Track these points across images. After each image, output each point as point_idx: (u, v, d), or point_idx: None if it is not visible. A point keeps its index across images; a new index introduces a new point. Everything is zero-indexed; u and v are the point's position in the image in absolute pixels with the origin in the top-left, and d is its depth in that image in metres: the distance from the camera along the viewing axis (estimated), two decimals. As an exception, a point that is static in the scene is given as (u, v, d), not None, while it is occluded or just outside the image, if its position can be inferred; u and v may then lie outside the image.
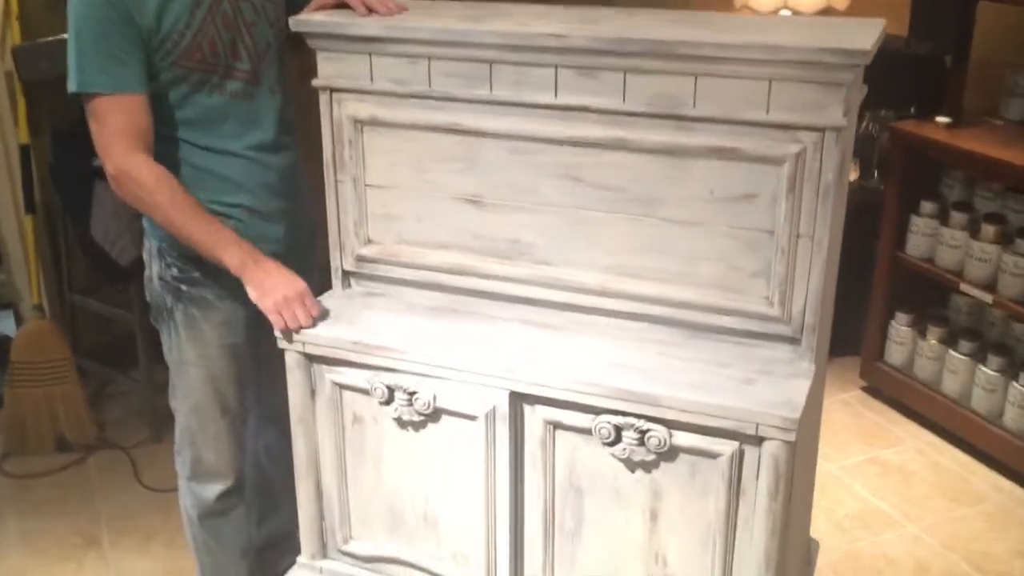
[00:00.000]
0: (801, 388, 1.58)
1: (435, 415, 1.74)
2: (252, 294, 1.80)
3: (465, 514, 1.78)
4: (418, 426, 1.76)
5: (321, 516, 1.92)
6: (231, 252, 1.80)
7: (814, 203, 1.56)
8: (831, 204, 1.56)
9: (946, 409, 3.08)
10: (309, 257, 2.11)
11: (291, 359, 1.81)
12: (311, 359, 1.81)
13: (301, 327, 1.77)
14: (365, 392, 1.77)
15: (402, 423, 1.77)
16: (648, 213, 1.66)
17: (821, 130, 1.52)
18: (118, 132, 1.77)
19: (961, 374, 3.05)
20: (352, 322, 1.81)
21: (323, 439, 1.86)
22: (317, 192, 1.91)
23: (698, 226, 1.64)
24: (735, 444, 1.55)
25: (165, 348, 2.02)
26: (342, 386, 1.80)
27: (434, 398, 1.71)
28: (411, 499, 1.83)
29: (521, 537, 1.77)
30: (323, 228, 1.93)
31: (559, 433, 1.67)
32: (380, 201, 1.85)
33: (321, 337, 1.77)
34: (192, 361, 1.98)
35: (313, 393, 1.83)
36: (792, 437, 1.51)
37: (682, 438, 1.58)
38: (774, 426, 1.51)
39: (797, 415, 1.50)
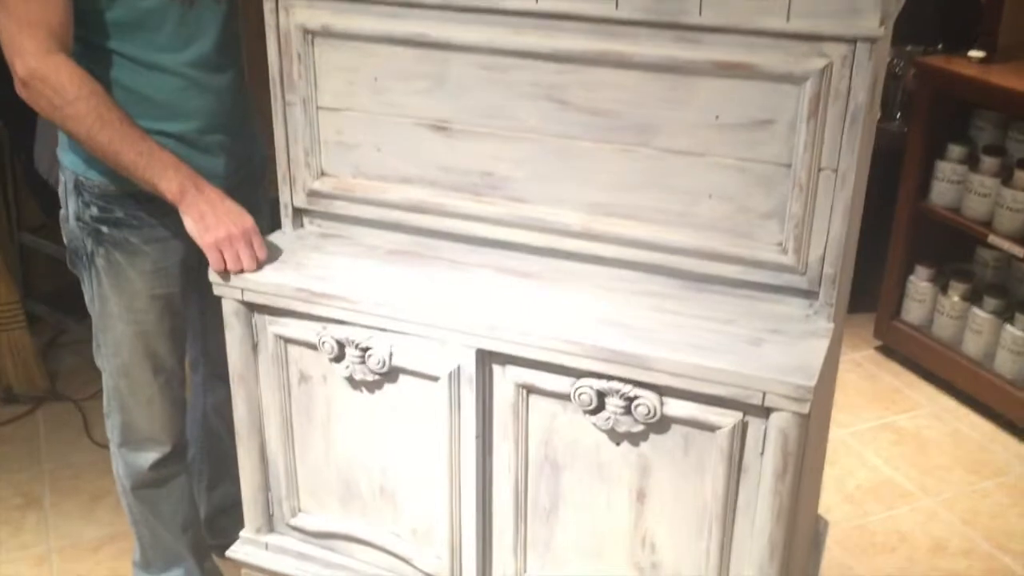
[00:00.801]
0: (817, 350, 1.34)
1: (391, 374, 1.50)
2: (191, 227, 1.56)
3: (426, 488, 1.55)
4: (372, 387, 1.53)
5: (267, 486, 1.70)
6: (168, 176, 1.56)
7: (839, 130, 1.31)
8: (860, 132, 1.31)
9: (967, 372, 2.85)
10: (258, 195, 1.86)
11: (229, 308, 1.58)
12: (252, 308, 1.57)
13: (243, 270, 1.53)
14: (313, 347, 1.54)
15: (354, 383, 1.53)
16: (643, 143, 1.41)
17: (851, 41, 1.26)
18: (30, 25, 1.49)
19: (985, 334, 2.81)
20: (300, 266, 1.57)
21: (266, 399, 1.63)
22: (268, 118, 1.66)
23: (701, 158, 1.39)
24: (737, 415, 1.32)
25: (87, 298, 1.78)
26: (287, 340, 1.56)
27: (390, 355, 1.48)
28: (365, 469, 1.60)
29: (489, 515, 1.55)
30: (274, 161, 1.68)
31: (533, 399, 1.43)
32: (334, 127, 1.60)
33: (263, 283, 1.53)
34: (117, 314, 1.75)
35: (255, 347, 1.60)
36: (805, 408, 1.27)
37: (675, 407, 1.35)
38: (784, 395, 1.27)
39: (812, 383, 1.26)
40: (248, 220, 1.57)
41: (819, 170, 1.34)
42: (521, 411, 1.44)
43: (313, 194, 1.65)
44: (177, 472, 1.91)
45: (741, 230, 1.41)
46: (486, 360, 1.44)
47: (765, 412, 1.30)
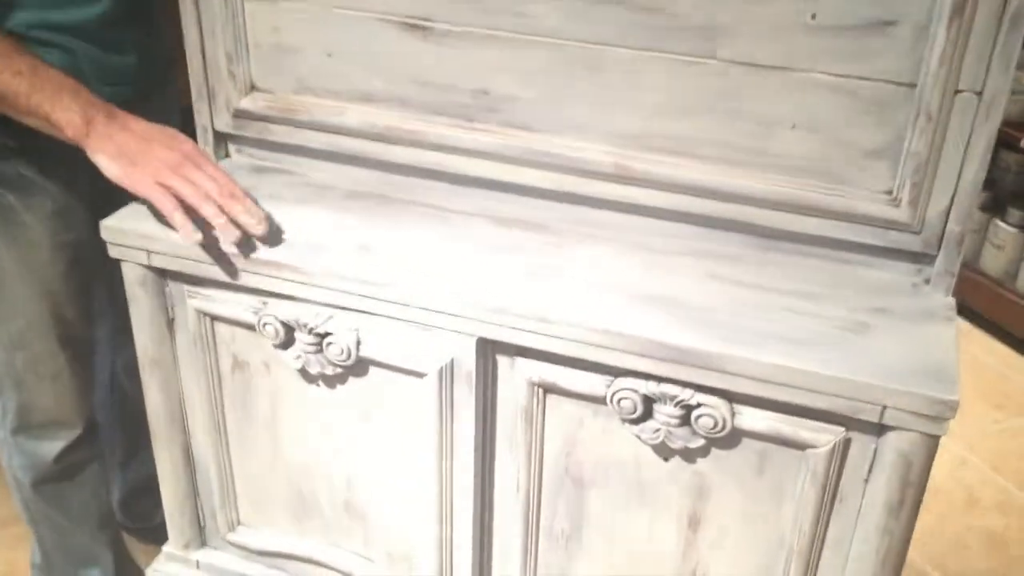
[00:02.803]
0: (945, 341, 0.99)
1: (359, 367, 1.12)
2: (110, 169, 1.11)
3: (406, 504, 1.19)
4: (332, 380, 1.15)
5: (194, 492, 1.32)
6: (64, 103, 1.12)
7: (992, 37, 0.93)
8: (1020, 41, 0.93)
9: (986, 292, 2.56)
10: (174, 110, 1.42)
11: (132, 274, 1.17)
12: (164, 275, 1.16)
13: (236, 219, 1.09)
14: (250, 327, 1.14)
15: (308, 376, 1.15)
16: (705, 51, 1.02)
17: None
18: None
19: (1008, 250, 2.51)
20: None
21: (189, 389, 1.24)
22: (172, 6, 1.21)
23: (786, 73, 1.00)
24: (838, 431, 0.97)
25: None
26: (213, 317, 1.17)
27: (356, 343, 1.09)
28: (325, 479, 1.23)
29: (489, 538, 1.20)
30: (182, 65, 1.24)
31: (552, 400, 1.07)
32: (268, 22, 1.17)
33: (176, 243, 1.12)
34: (11, 270, 1.32)
35: (170, 323, 1.20)
36: (943, 430, 0.93)
37: (751, 418, 0.99)
38: (913, 412, 0.92)
39: (954, 396, 0.91)
40: (185, 140, 1.15)
41: (956, 92, 0.96)
42: (536, 416, 1.08)
43: (241, 115, 1.22)
44: (89, 458, 1.52)
45: (835, 173, 1.04)
46: (488, 351, 1.07)
47: (878, 429, 0.96)
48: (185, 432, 1.27)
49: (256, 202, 1.12)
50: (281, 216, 1.15)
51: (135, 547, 1.75)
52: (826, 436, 0.97)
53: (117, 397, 1.70)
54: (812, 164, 1.04)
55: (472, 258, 1.09)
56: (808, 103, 1.01)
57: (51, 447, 1.46)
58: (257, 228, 1.09)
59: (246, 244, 1.09)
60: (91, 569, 1.60)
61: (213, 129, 1.25)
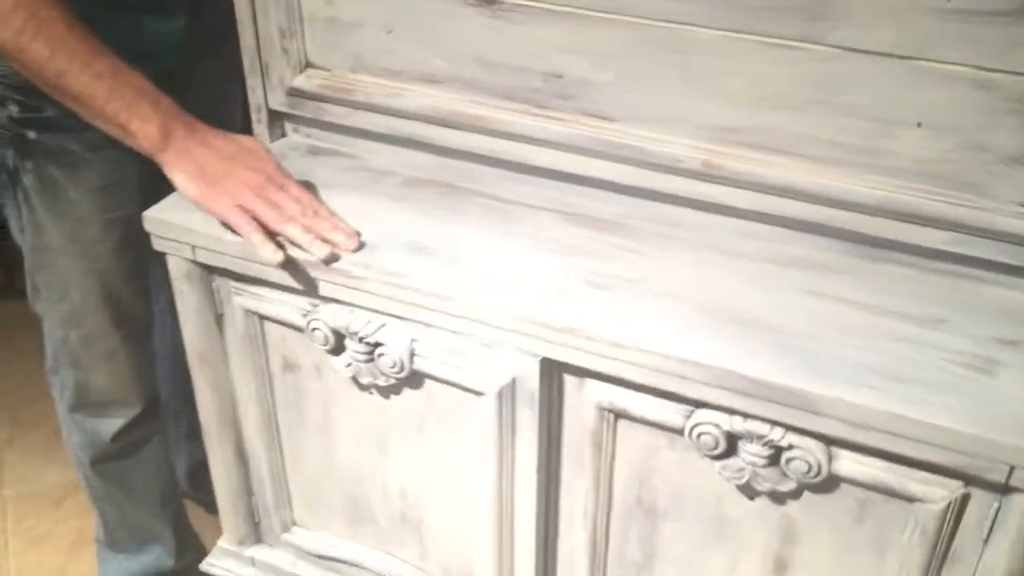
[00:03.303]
0: (1089, 385, 0.85)
1: (413, 379, 1.03)
2: (187, 188, 1.03)
3: (465, 521, 1.11)
4: (387, 391, 1.06)
5: (248, 490, 1.26)
6: (143, 112, 1.03)
7: None
8: None
9: None
10: (229, 82, 1.33)
11: (177, 269, 1.09)
12: (210, 270, 1.08)
13: (332, 246, 0.99)
14: (299, 329, 1.06)
15: (360, 384, 1.06)
16: (813, 35, 0.87)
17: None
18: None
19: None
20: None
21: (240, 388, 1.16)
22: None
23: (910, 63, 0.85)
24: (955, 485, 0.84)
25: (14, 229, 1.29)
26: (261, 316, 1.08)
27: (410, 355, 1.00)
28: (380, 489, 1.15)
29: (553, 563, 1.10)
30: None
31: (624, 425, 0.96)
32: (322, -6, 1.06)
33: (222, 239, 1.03)
34: (60, 248, 1.26)
35: (219, 319, 1.12)
36: (1081, 497, 0.79)
37: (851, 465, 0.87)
38: (1047, 474, 0.79)
39: (1099, 459, 0.77)
40: (267, 158, 1.06)
41: (1121, 90, 0.80)
42: (606, 442, 0.97)
43: (295, 94, 1.12)
44: (150, 435, 1.47)
45: (966, 180, 0.89)
46: (555, 371, 0.96)
47: (1005, 490, 0.82)
48: (237, 429, 1.20)
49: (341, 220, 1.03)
50: (334, 206, 1.05)
51: (202, 518, 1.71)
52: (940, 492, 0.84)
53: (180, 370, 1.65)
54: (938, 169, 0.89)
55: (538, 263, 0.98)
56: (937, 99, 0.86)
57: (109, 425, 1.42)
58: (348, 244, 1.00)
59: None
60: (153, 545, 1.57)
61: (267, 107, 1.15)
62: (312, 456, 1.17)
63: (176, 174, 1.04)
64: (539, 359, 0.94)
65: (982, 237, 0.90)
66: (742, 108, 0.93)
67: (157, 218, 1.05)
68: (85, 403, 1.40)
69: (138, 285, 1.33)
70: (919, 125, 0.88)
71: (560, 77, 0.99)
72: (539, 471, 1.01)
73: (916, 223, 0.92)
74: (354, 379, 1.05)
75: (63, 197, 1.23)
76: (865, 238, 0.95)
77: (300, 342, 1.07)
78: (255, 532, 1.29)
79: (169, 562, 1.56)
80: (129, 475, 1.48)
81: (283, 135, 1.19)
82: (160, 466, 1.51)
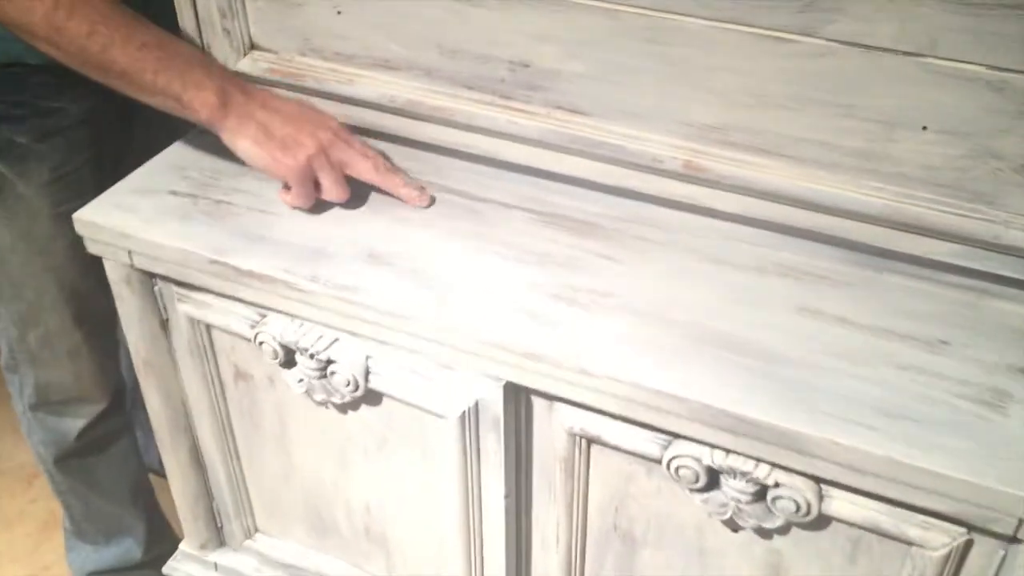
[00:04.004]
0: (1107, 422, 0.76)
1: (370, 397, 0.95)
2: (255, 155, 0.94)
3: (433, 539, 1.04)
4: (343, 407, 0.98)
5: (208, 493, 1.19)
6: (197, 80, 0.93)
7: None
8: None
9: None
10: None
11: (114, 272, 1.00)
12: (151, 274, 0.99)
13: (396, 193, 0.98)
14: (247, 339, 0.98)
15: (315, 399, 0.98)
16: (805, 27, 0.77)
17: None
18: None
19: None
20: (219, 208, 0.97)
21: (192, 395, 1.08)
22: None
23: (917, 60, 0.75)
24: (958, 532, 0.76)
25: None
26: (208, 325, 1.00)
27: (365, 374, 0.92)
28: (344, 503, 1.08)
29: (526, 580, 1.04)
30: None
31: (597, 451, 0.88)
32: (264, -30, 0.95)
33: (158, 245, 0.94)
34: (11, 245, 1.17)
35: (164, 324, 1.04)
36: (1096, 554, 0.71)
37: (843, 506, 0.79)
38: (1060, 529, 0.71)
39: (1117, 515, 0.70)
40: (328, 115, 0.98)
41: None
42: (579, 466, 0.90)
43: (241, 78, 1.02)
44: (117, 429, 1.40)
45: (976, 189, 0.79)
46: (521, 394, 0.88)
47: (1010, 539, 0.74)
48: (191, 435, 1.13)
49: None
50: (275, 204, 0.96)
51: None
52: (941, 538, 0.76)
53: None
54: (945, 176, 0.80)
55: (505, 275, 0.89)
56: (945, 100, 0.76)
57: (73, 424, 1.34)
58: (421, 200, 0.97)
59: None
60: (123, 537, 1.51)
61: (212, 91, 1.05)
62: (270, 466, 1.10)
63: (239, 140, 0.94)
64: (503, 383, 0.86)
65: (991, 250, 0.81)
66: (728, 105, 0.83)
67: (88, 220, 0.96)
68: (46, 401, 1.32)
69: (98, 279, 1.23)
70: (924, 128, 0.78)
71: (527, 66, 0.89)
72: (507, 496, 0.94)
73: (919, 233, 0.83)
74: (308, 394, 0.97)
75: (11, 193, 1.14)
76: (863, 247, 0.86)
77: (251, 351, 0.99)
78: (218, 536, 1.22)
79: (138, 554, 1.51)
80: (96, 471, 1.42)
81: (232, 120, 1.09)
82: (129, 460, 1.44)
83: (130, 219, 0.95)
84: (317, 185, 0.95)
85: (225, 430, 1.09)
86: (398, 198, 0.97)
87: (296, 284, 0.89)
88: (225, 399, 1.06)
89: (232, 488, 1.15)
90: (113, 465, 1.42)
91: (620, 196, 0.94)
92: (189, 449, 1.14)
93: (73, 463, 1.40)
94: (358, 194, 0.98)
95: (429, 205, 0.96)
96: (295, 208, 0.96)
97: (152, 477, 1.53)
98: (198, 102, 0.93)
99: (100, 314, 1.27)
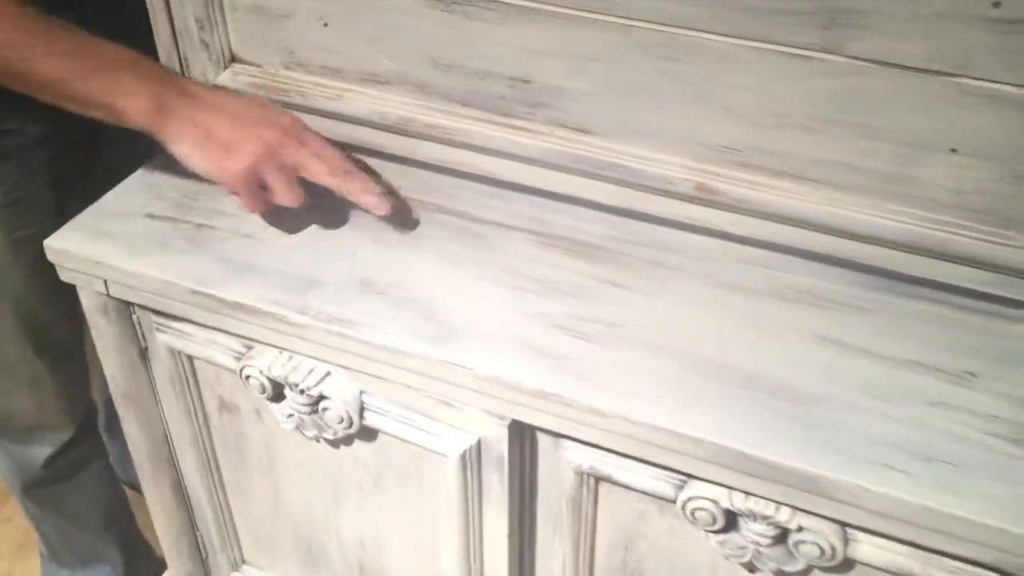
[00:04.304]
0: None
1: (364, 433, 0.90)
2: (196, 160, 0.87)
3: (430, 574, 0.99)
4: (336, 442, 0.93)
5: (192, 525, 1.14)
6: (127, 86, 0.86)
7: None
8: None
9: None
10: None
11: (89, 301, 0.94)
12: (128, 305, 0.94)
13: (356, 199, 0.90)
14: (232, 371, 0.92)
15: (306, 435, 0.93)
16: (828, 44, 0.72)
17: None
18: None
19: None
20: (201, 234, 0.92)
21: (174, 427, 1.03)
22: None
23: (948, 80, 0.71)
24: (991, 578, 0.72)
25: None
26: (191, 356, 0.94)
27: (360, 410, 0.87)
28: (336, 537, 1.03)
29: (530, 618, 0.99)
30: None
31: (606, 489, 0.84)
32: (246, -21, 0.90)
33: (137, 275, 0.88)
34: None
35: (143, 354, 0.98)
36: None
37: (870, 550, 0.75)
38: (1104, 580, 0.67)
39: None
40: (280, 110, 0.91)
41: None
42: (587, 505, 0.85)
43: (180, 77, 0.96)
44: (88, 455, 1.34)
45: (1005, 213, 0.75)
46: (526, 431, 0.83)
47: (1049, 586, 0.71)
48: (174, 466, 1.07)
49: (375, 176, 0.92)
50: (261, 228, 0.91)
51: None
52: (974, 583, 0.72)
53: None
54: (974, 201, 0.75)
55: (508, 305, 0.84)
56: (976, 122, 0.72)
57: (38, 452, 1.28)
58: (380, 208, 0.89)
59: None
60: (100, 565, 1.45)
61: (190, 105, 0.99)
62: (258, 498, 1.05)
63: (180, 146, 0.87)
64: (508, 421, 0.81)
65: (1020, 277, 0.77)
66: (745, 125, 0.78)
67: (60, 248, 0.90)
68: (8, 429, 1.26)
69: (60, 306, 1.16)
70: (953, 151, 0.74)
71: (528, 83, 0.84)
72: (511, 535, 0.89)
73: (945, 259, 0.79)
74: (298, 429, 0.91)
75: None
76: (886, 272, 0.82)
77: (237, 383, 0.94)
78: (203, 567, 1.17)
79: (118, 578, 1.45)
80: (67, 499, 1.35)
81: (212, 134, 1.03)
82: (102, 486, 1.38)
83: (105, 246, 0.89)
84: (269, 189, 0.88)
85: (210, 462, 1.03)
86: (356, 204, 0.90)
87: (285, 317, 0.83)
88: (209, 431, 1.01)
89: (217, 520, 1.09)
90: (85, 492, 1.36)
91: (628, 217, 0.89)
92: (172, 481, 1.08)
93: (42, 491, 1.33)
94: (344, 212, 0.93)
95: (389, 214, 0.89)
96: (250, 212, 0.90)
97: (133, 494, 1.47)
98: (132, 109, 0.86)
99: (63, 342, 1.20)
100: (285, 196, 0.87)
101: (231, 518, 1.09)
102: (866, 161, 0.76)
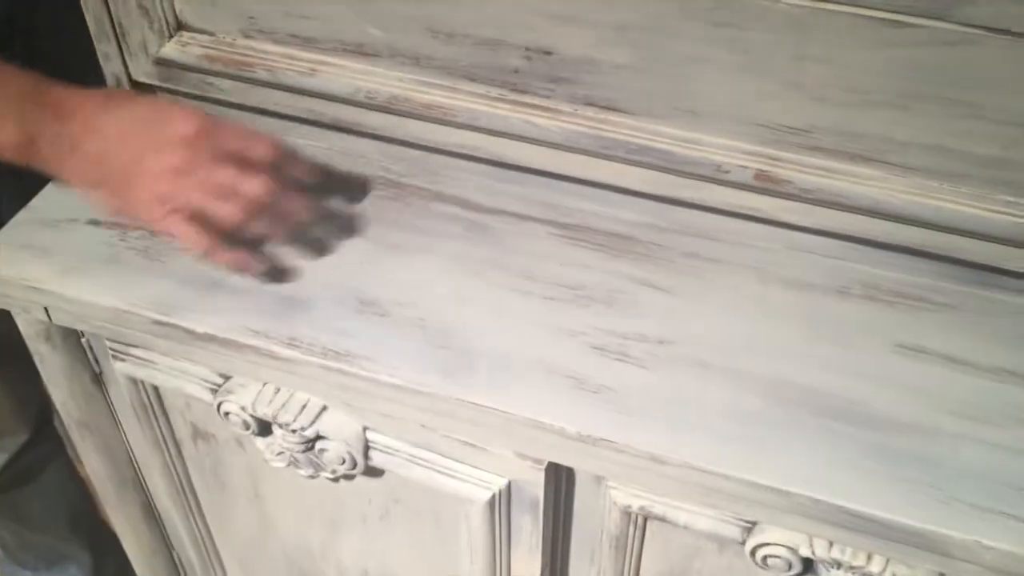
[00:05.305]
0: None
1: (372, 472, 0.77)
2: (95, 201, 0.73)
3: (445, 604, 0.88)
4: (336, 478, 0.80)
5: (168, 545, 1.01)
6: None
7: None
8: None
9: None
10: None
11: (28, 327, 0.79)
12: (77, 334, 0.79)
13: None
14: (208, 403, 0.78)
15: (301, 473, 0.80)
16: (932, 10, 0.58)
17: None
18: None
19: None
20: (151, 245, 0.76)
21: (139, 454, 0.90)
22: None
23: (1077, 51, 0.58)
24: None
25: None
26: (156, 387, 0.80)
27: (364, 450, 0.74)
28: (335, 567, 0.92)
29: (560, 646, 0.89)
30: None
31: (655, 527, 0.73)
32: (188, -71, 0.72)
33: (75, 301, 0.73)
34: None
35: (98, 377, 0.84)
36: None
37: (976, 597, 0.65)
38: None
39: None
40: (188, 110, 0.72)
41: None
42: (632, 543, 0.74)
43: (166, 63, 0.80)
44: (47, 456, 1.21)
45: None
46: (562, 471, 0.71)
47: None
48: (142, 491, 0.94)
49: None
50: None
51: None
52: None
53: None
54: (1092, 188, 0.63)
55: (532, 321, 0.71)
56: (1106, 98, 0.59)
57: (-8, 458, 1.15)
58: (246, 271, 0.72)
59: None
60: (65, 564, 1.33)
61: (130, 79, 0.83)
62: (243, 524, 0.93)
63: (69, 182, 0.71)
64: (544, 464, 0.69)
65: None
66: (817, 103, 0.65)
67: (-11, 271, 0.75)
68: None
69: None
70: (1073, 132, 0.61)
71: (549, 54, 0.69)
72: (543, 569, 0.78)
73: (1053, 254, 0.67)
74: (291, 467, 0.79)
75: None
76: (977, 265, 0.70)
77: (212, 412, 0.80)
78: (181, 588, 1.06)
79: (85, 580, 1.33)
80: (27, 505, 1.23)
81: (157, 110, 0.87)
82: (65, 488, 1.25)
83: (41, 266, 0.74)
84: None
85: (183, 488, 0.91)
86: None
87: (270, 351, 0.69)
88: (182, 458, 0.88)
89: (196, 544, 0.97)
90: (46, 495, 1.23)
91: (665, 205, 0.75)
92: (142, 504, 0.96)
93: (0, 500, 1.20)
94: (343, 209, 0.78)
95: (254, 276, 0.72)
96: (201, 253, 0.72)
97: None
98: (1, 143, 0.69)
99: (4, 335, 1.05)
100: (227, 211, 0.69)
101: (212, 543, 0.97)
102: (966, 144, 0.64)
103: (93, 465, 0.91)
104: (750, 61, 0.64)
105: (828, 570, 0.67)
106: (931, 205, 0.66)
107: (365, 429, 0.73)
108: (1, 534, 1.28)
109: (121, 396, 0.83)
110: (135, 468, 0.91)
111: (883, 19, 0.60)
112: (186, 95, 0.83)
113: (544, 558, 0.77)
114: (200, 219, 0.69)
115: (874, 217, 0.68)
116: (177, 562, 1.03)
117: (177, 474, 0.89)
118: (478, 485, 0.71)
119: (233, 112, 0.83)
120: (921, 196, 0.66)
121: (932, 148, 0.64)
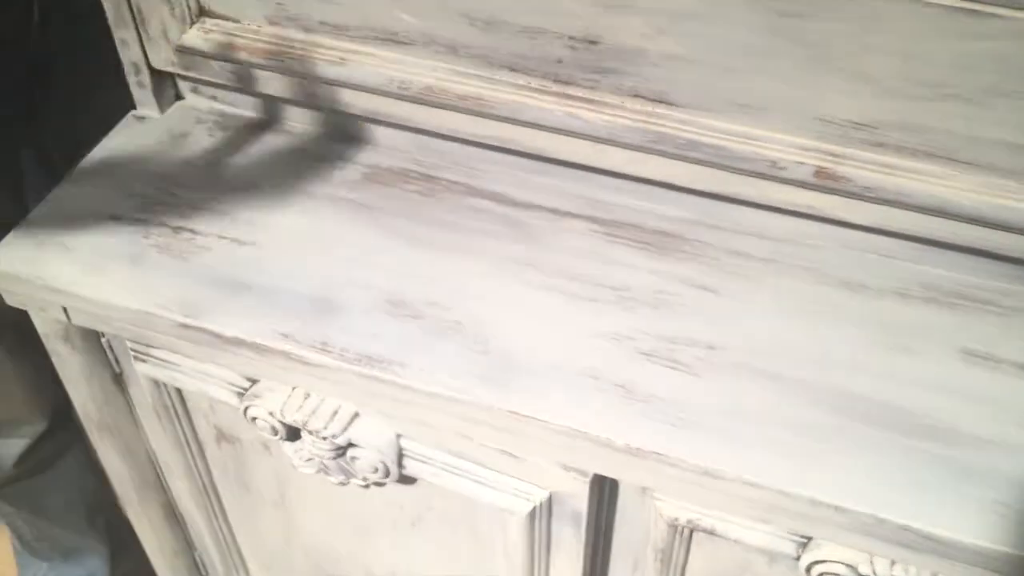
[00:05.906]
0: None
1: (406, 480, 0.74)
2: None
3: (478, 611, 0.85)
4: (368, 485, 0.77)
5: (190, 545, 0.99)
6: None
7: None
8: None
9: None
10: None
11: (46, 327, 0.76)
12: (97, 334, 0.76)
13: None
14: (234, 407, 0.75)
15: (332, 480, 0.77)
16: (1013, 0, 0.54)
17: None
18: None
19: None
20: (175, 241, 0.73)
21: (161, 456, 0.87)
22: None
23: None
24: None
25: None
26: (179, 389, 0.77)
27: (398, 457, 0.71)
28: (364, 570, 0.89)
29: (596, 654, 0.87)
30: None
31: (701, 539, 0.69)
32: (212, -90, 0.69)
33: (97, 303, 0.70)
34: None
35: (119, 378, 0.81)
36: None
37: (1045, 619, 0.62)
38: None
39: None
40: None
41: None
42: (677, 555, 0.71)
43: (188, 51, 0.76)
44: (65, 447, 1.18)
45: None
46: (606, 481, 0.68)
47: None
48: (164, 491, 0.92)
49: None
50: (253, 228, 0.72)
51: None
52: None
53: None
54: None
55: (573, 323, 0.67)
56: None
57: (10, 447, 1.13)
58: None
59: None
60: (84, 558, 1.31)
61: (149, 67, 0.79)
62: (268, 527, 0.90)
63: None
64: (589, 476, 0.66)
65: None
66: (884, 97, 0.61)
67: (7, 272, 0.71)
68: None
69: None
70: None
71: (595, 43, 0.65)
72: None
73: None
74: (320, 473, 0.75)
75: None
76: (1042, 267, 0.67)
77: (238, 415, 0.77)
78: (204, 588, 1.03)
79: (104, 573, 1.31)
80: (44, 496, 1.20)
81: (178, 97, 0.84)
82: (83, 479, 1.23)
83: (61, 266, 0.71)
84: None
85: (207, 490, 0.88)
86: None
87: (300, 356, 0.66)
88: (205, 461, 0.85)
89: (219, 546, 0.95)
90: (64, 486, 1.21)
91: (718, 203, 0.72)
92: (163, 505, 0.93)
93: (16, 489, 1.18)
94: (362, 203, 0.75)
95: None
96: None
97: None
98: None
99: (22, 328, 1.03)
100: None
101: (235, 544, 0.95)
102: (1045, 139, 0.60)
103: (113, 466, 0.88)
104: (815, 53, 0.60)
105: (887, 586, 0.63)
106: (1001, 204, 0.62)
107: (399, 436, 0.70)
108: (17, 524, 1.25)
109: (142, 397, 0.80)
110: (156, 470, 0.89)
111: (957, 8, 0.56)
112: (208, 83, 0.79)
113: (585, 567, 0.74)
114: None
115: (939, 216, 0.65)
116: (199, 563, 1.00)
117: (200, 476, 0.86)
118: (517, 496, 0.68)
119: (258, 99, 0.79)
120: (990, 195, 0.62)
121: (1005, 145, 0.61)
